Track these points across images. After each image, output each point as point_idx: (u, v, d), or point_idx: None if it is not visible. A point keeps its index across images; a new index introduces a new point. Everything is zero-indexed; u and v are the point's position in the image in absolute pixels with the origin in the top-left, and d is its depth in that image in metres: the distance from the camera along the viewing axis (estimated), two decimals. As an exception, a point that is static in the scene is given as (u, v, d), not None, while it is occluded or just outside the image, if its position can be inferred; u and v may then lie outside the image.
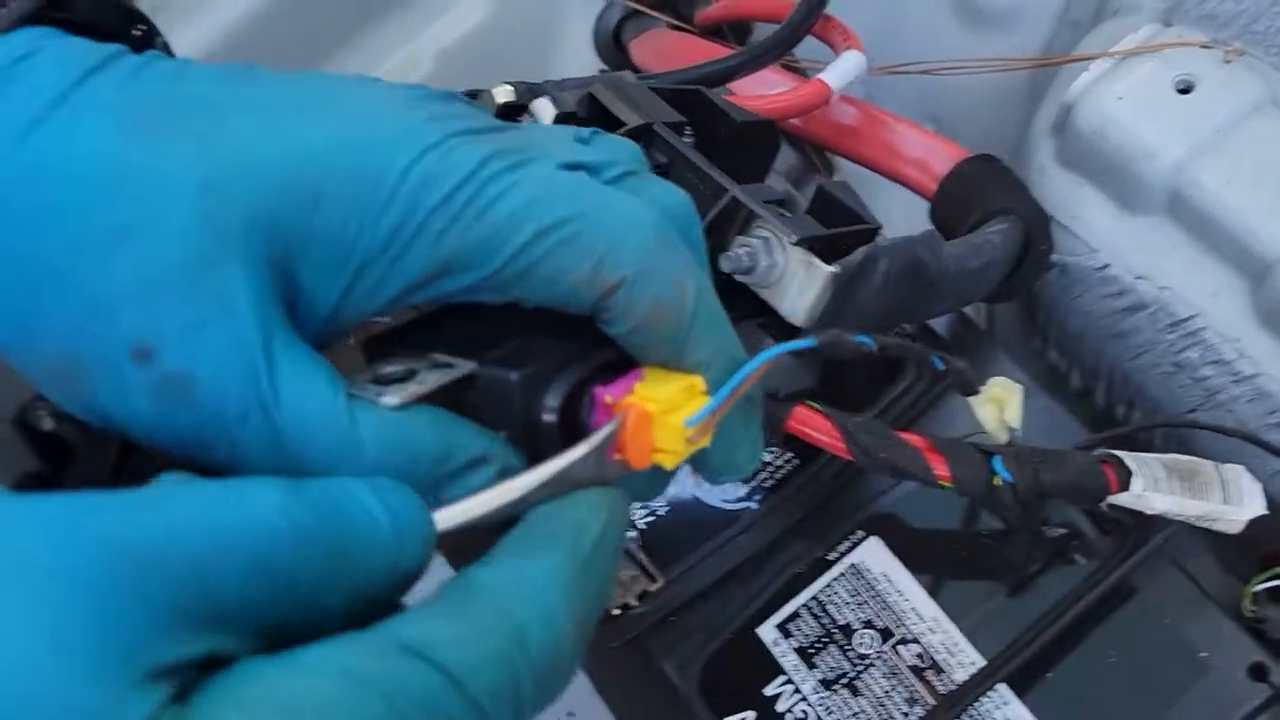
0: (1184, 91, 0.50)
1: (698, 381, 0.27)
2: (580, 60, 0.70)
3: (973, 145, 0.54)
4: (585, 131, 0.29)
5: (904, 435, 0.37)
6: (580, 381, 0.28)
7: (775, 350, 0.29)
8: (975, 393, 0.41)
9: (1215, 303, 0.48)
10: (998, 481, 0.36)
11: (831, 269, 0.39)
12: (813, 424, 0.36)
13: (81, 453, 0.67)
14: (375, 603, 0.21)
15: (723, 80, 0.50)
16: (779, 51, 0.52)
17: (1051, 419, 0.45)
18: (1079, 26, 0.60)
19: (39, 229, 0.24)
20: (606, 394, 0.27)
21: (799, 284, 0.39)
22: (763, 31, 0.68)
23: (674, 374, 0.28)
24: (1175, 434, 0.49)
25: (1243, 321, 0.48)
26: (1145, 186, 0.50)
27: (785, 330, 0.40)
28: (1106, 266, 0.51)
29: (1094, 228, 0.52)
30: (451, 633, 0.21)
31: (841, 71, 0.52)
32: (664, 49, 0.63)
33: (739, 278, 0.40)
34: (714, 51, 0.59)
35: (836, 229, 0.40)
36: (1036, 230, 0.47)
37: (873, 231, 0.41)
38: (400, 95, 0.27)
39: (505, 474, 0.25)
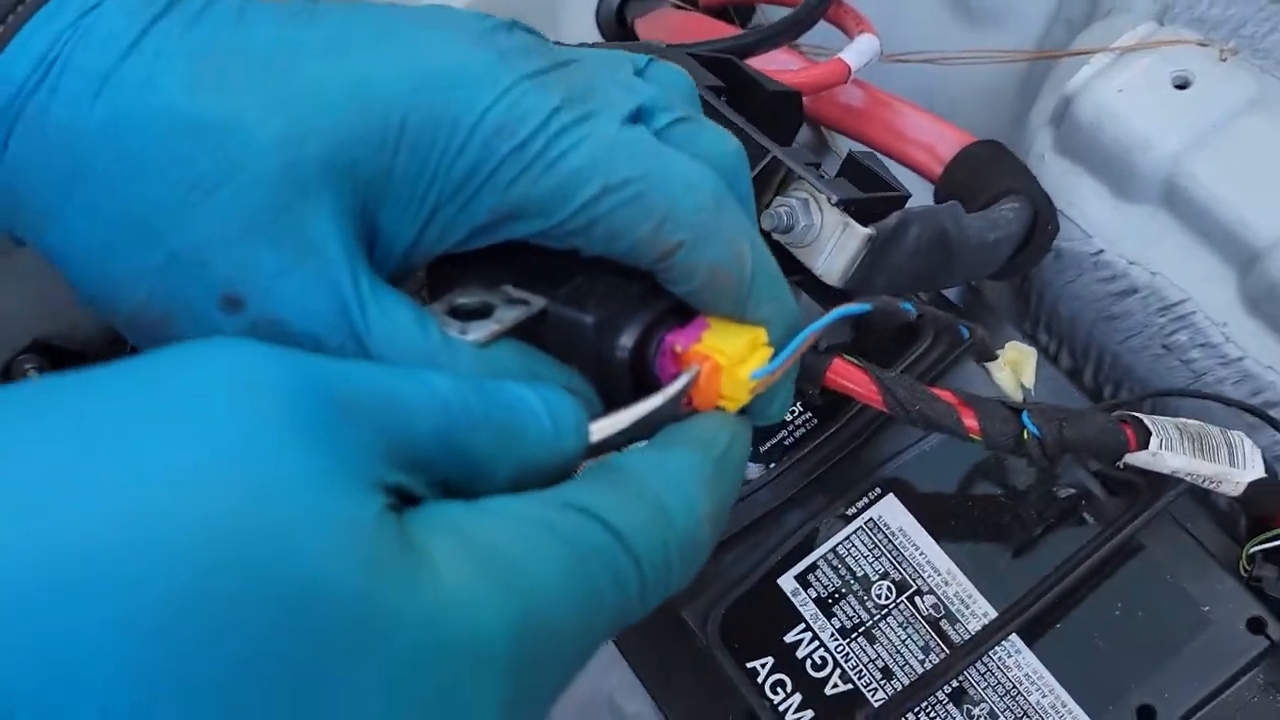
0: (1181, 87, 0.52)
1: (761, 334, 0.29)
2: (582, 39, 0.70)
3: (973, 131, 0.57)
4: (641, 59, 0.30)
5: (934, 390, 0.38)
6: (650, 325, 0.29)
7: (836, 314, 0.31)
8: (994, 358, 0.43)
9: (1205, 288, 0.51)
10: (1025, 435, 0.37)
11: (868, 231, 0.40)
12: (850, 376, 0.38)
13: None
14: (535, 486, 0.22)
15: (746, 53, 0.51)
16: (797, 30, 0.54)
17: (1057, 388, 0.47)
18: (1072, 25, 0.63)
19: (120, 184, 0.24)
20: (676, 342, 0.28)
21: (835, 244, 0.41)
22: (764, 15, 0.69)
23: (737, 325, 0.29)
24: (1164, 408, 0.51)
25: (1230, 307, 0.51)
26: (1141, 176, 0.52)
27: (819, 288, 0.41)
28: (1101, 252, 0.53)
29: (1090, 215, 0.54)
30: (611, 500, 0.22)
31: (859, 52, 0.54)
32: (672, 27, 0.64)
33: (776, 236, 0.42)
34: (722, 30, 0.61)
35: (871, 193, 0.41)
36: (1044, 211, 0.49)
37: (903, 199, 0.42)
38: (470, 29, 0.27)
39: (586, 407, 0.26)
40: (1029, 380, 0.44)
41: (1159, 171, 0.52)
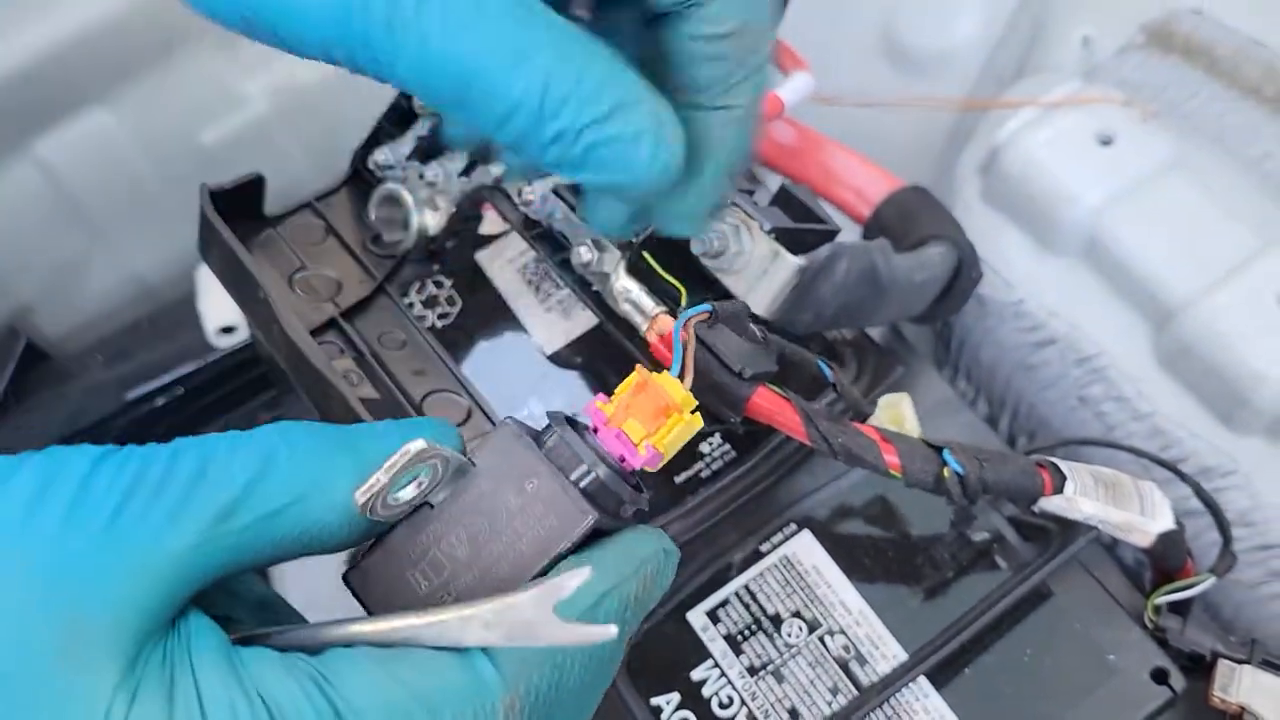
0: (1104, 144, 0.54)
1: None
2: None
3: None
4: None
5: (857, 425, 0.38)
6: None
7: (691, 311, 0.34)
8: (867, 416, 0.42)
9: (1121, 343, 0.52)
10: (946, 474, 0.37)
11: (799, 261, 0.40)
12: (775, 405, 0.37)
13: None
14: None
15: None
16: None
17: (974, 434, 0.47)
18: (1001, 79, 0.64)
19: None
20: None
21: (764, 272, 0.40)
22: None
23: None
24: (1077, 458, 0.52)
25: (1144, 363, 0.51)
26: (1063, 229, 0.53)
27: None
28: (1022, 301, 0.54)
29: (1013, 264, 0.55)
30: None
31: (793, 89, 0.54)
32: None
33: (705, 261, 0.41)
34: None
35: (802, 224, 0.41)
36: (968, 258, 0.50)
37: (833, 232, 0.42)
38: None
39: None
40: (913, 427, 0.44)
41: (1081, 225, 0.53)
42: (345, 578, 0.27)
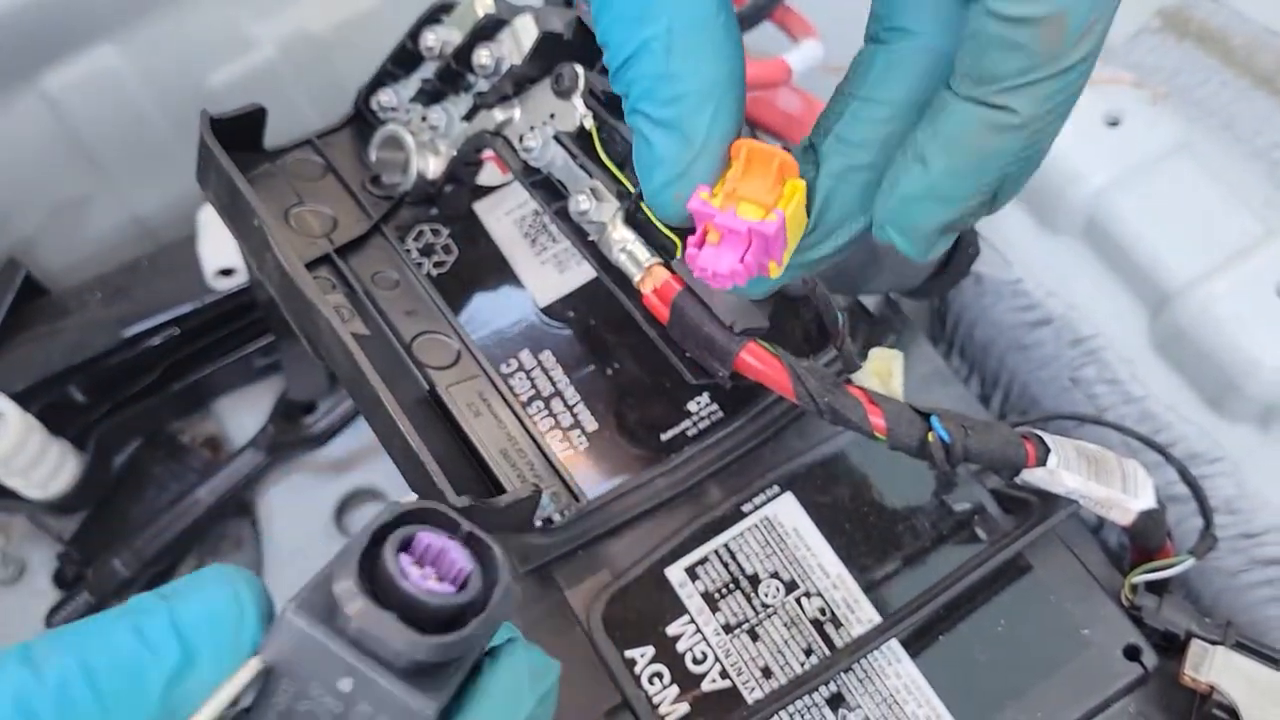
0: (1112, 125, 0.53)
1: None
2: None
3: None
4: None
5: (847, 387, 0.38)
6: None
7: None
8: (857, 368, 0.42)
9: (1116, 326, 0.52)
10: (931, 439, 0.37)
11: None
12: (763, 360, 0.37)
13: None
14: None
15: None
16: (742, 27, 0.54)
17: (967, 408, 0.47)
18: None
19: None
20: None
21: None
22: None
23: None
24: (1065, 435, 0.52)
25: (1138, 346, 0.51)
26: (1065, 207, 0.53)
27: None
28: (1020, 281, 0.54)
29: (1013, 243, 0.54)
30: None
31: (802, 56, 0.53)
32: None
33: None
34: None
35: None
36: (966, 235, 0.49)
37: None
38: None
39: None
40: (898, 387, 0.44)
41: (1083, 204, 0.52)
42: None
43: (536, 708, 0.24)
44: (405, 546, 0.22)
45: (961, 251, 0.50)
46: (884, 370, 0.44)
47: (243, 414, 0.67)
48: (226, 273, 0.62)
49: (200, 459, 0.66)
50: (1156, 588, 0.42)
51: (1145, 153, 0.52)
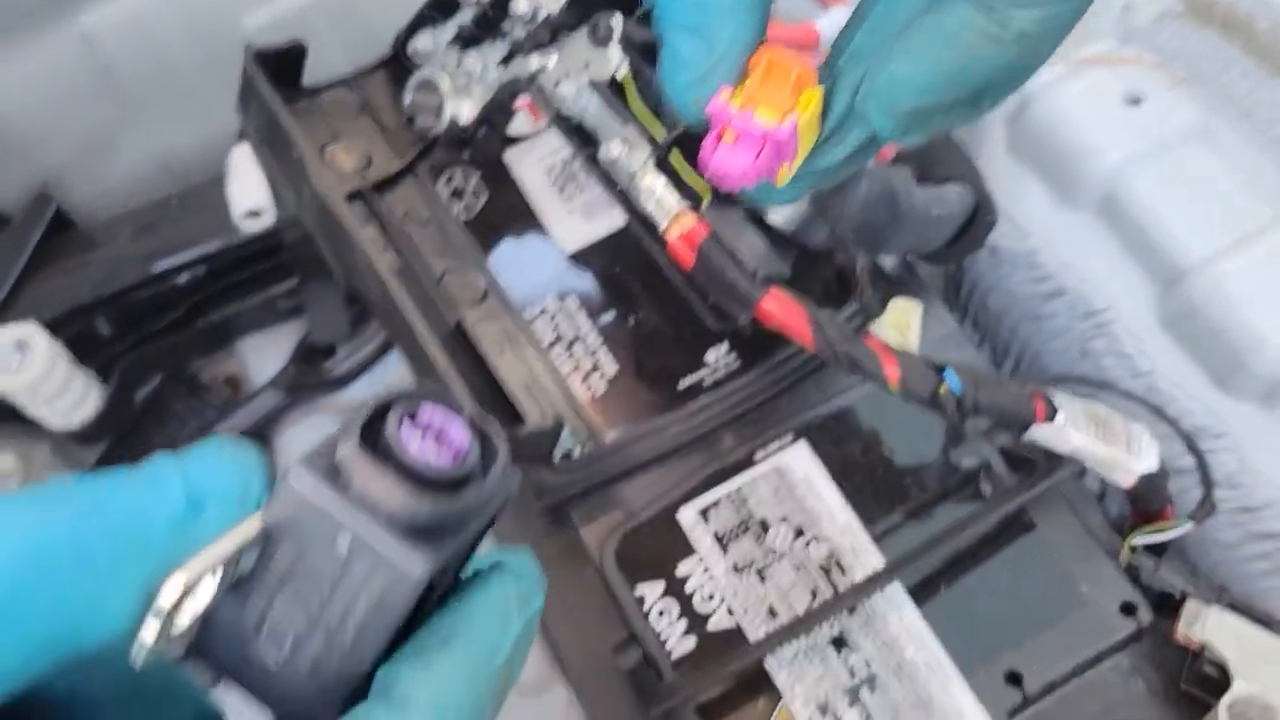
0: (1133, 104, 0.54)
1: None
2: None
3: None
4: None
5: (864, 338, 0.39)
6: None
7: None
8: (878, 315, 0.43)
9: (1128, 300, 0.53)
10: (943, 390, 0.38)
11: (820, 173, 0.41)
12: (785, 307, 0.38)
13: None
14: None
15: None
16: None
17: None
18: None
19: None
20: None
21: (785, 184, 0.41)
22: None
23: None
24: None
25: (1148, 321, 0.52)
26: (1083, 183, 0.54)
27: (764, 228, 0.42)
28: (1035, 252, 0.55)
29: (1030, 215, 0.55)
30: None
31: (832, 23, 0.54)
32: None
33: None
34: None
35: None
36: (985, 202, 0.50)
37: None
38: None
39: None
40: (914, 338, 0.45)
41: (1101, 180, 0.53)
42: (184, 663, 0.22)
43: (524, 630, 0.24)
44: (411, 419, 0.22)
45: (979, 220, 0.51)
46: (902, 321, 0.45)
47: (264, 355, 0.68)
48: (254, 214, 0.63)
49: (220, 396, 0.67)
50: (1155, 551, 0.43)
51: (1163, 133, 0.53)
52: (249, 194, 0.63)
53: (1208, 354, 0.51)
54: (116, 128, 0.66)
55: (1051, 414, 0.40)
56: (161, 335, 0.65)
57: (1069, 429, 0.40)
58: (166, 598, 0.20)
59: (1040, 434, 0.40)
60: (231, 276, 0.65)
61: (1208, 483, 0.43)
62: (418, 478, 0.21)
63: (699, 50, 0.29)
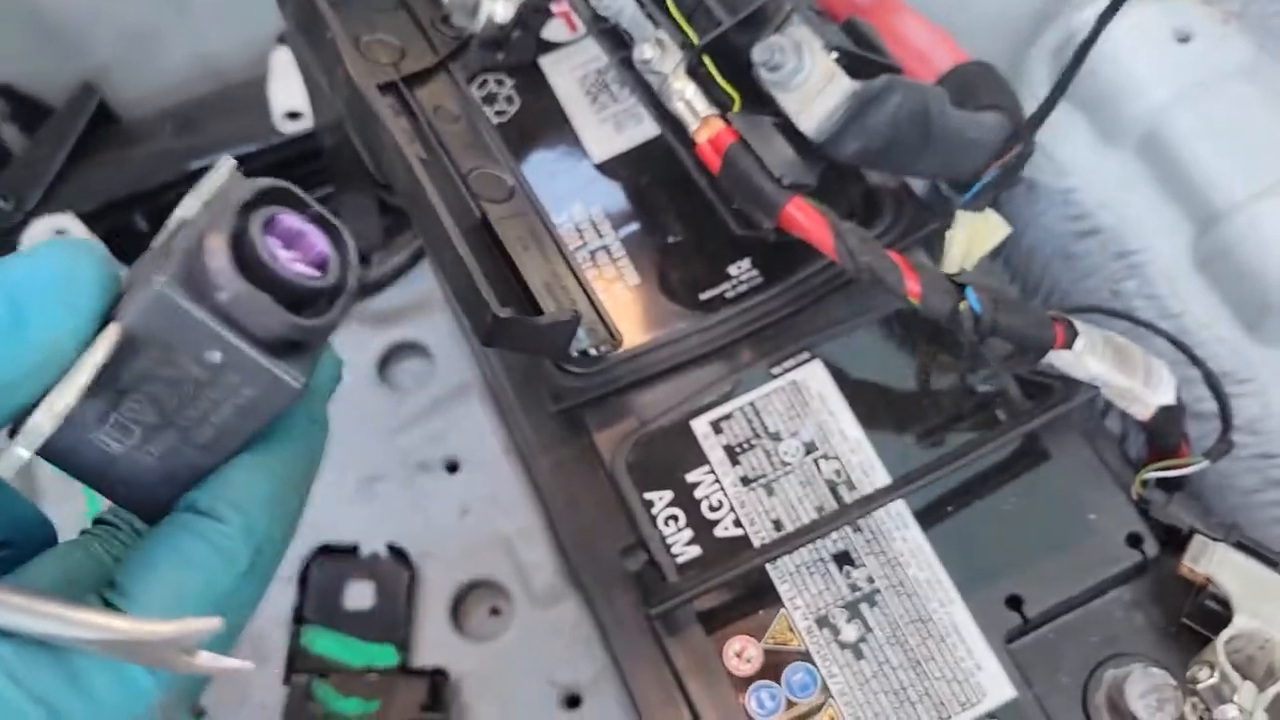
0: (1181, 41, 0.53)
1: None
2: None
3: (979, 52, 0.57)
4: None
5: (886, 251, 0.39)
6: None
7: None
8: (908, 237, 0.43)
9: (1162, 241, 0.52)
10: (963, 307, 0.38)
11: (854, 85, 0.40)
12: (808, 214, 0.38)
13: (21, 154, 0.64)
14: None
15: None
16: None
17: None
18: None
19: None
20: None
21: (819, 92, 0.41)
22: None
23: None
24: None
25: (1181, 263, 0.51)
26: (1125, 121, 0.53)
27: (793, 135, 0.41)
28: (1073, 190, 0.54)
29: (1069, 152, 0.55)
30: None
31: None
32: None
33: (763, 74, 0.41)
34: None
35: (864, 52, 0.41)
36: (1022, 132, 0.50)
37: (894, 69, 0.43)
38: None
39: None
40: (973, 260, 0.44)
41: (1143, 118, 0.52)
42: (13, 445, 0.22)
43: (321, 438, 0.26)
44: (269, 227, 0.23)
45: (1015, 148, 0.50)
46: (979, 234, 0.43)
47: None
48: (294, 116, 0.64)
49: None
50: (1167, 484, 0.43)
51: (1210, 72, 0.52)
52: (289, 95, 0.64)
53: (1239, 297, 0.50)
54: (161, 25, 0.66)
55: (1071, 339, 0.40)
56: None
57: (1087, 355, 0.40)
58: (45, 422, 0.21)
59: (1058, 360, 0.40)
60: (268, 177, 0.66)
61: (1226, 421, 0.43)
62: (287, 293, 0.22)
63: None
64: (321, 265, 0.23)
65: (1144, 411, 0.41)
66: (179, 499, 0.24)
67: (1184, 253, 0.52)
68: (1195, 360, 0.44)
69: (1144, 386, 0.41)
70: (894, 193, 0.47)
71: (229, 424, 0.23)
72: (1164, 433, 0.42)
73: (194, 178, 0.65)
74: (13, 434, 0.21)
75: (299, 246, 0.23)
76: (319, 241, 0.23)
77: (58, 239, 0.22)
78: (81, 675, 0.21)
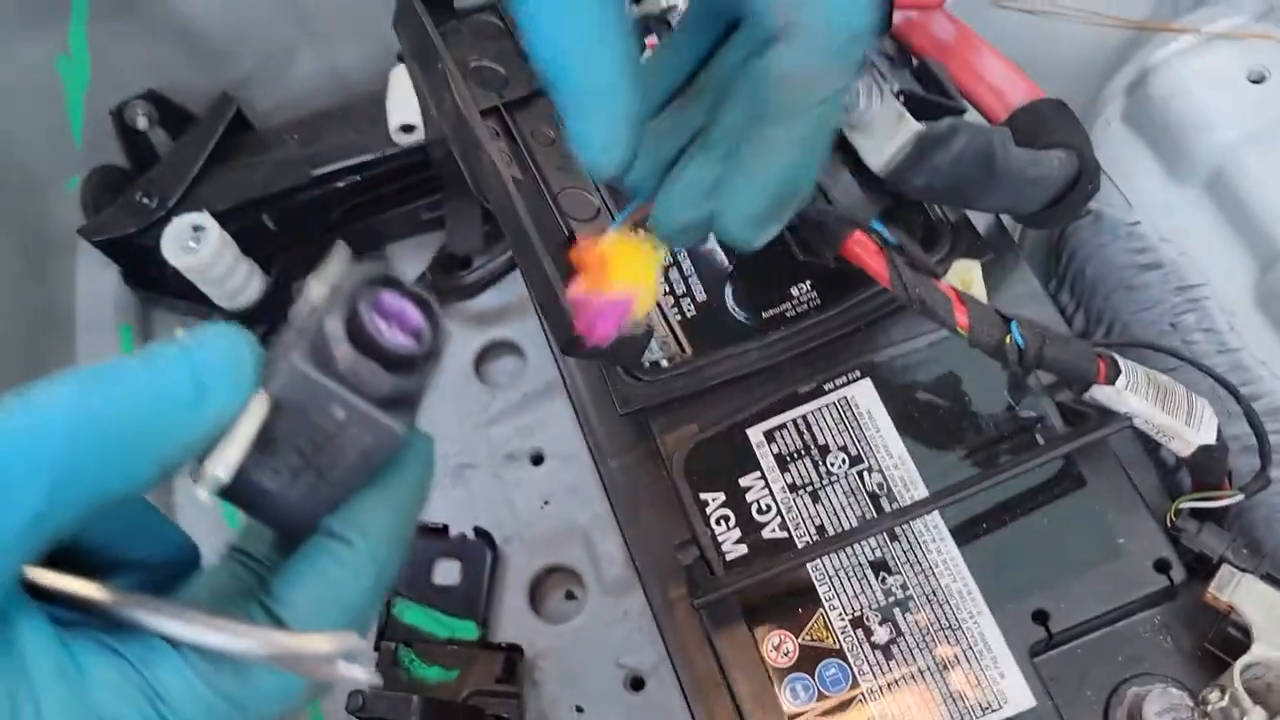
0: (1256, 82, 0.54)
1: None
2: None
3: (1050, 91, 0.59)
4: None
5: (937, 283, 0.42)
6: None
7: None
8: (939, 276, 0.45)
9: (1224, 277, 0.53)
10: (1008, 342, 0.41)
11: (920, 126, 0.43)
12: (866, 248, 0.41)
13: (167, 155, 0.71)
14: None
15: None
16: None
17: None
18: (1178, 7, 0.64)
19: None
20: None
21: (886, 132, 0.44)
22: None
23: None
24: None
25: (1243, 300, 0.53)
26: (1194, 158, 0.54)
27: (861, 171, 0.45)
28: (1138, 223, 0.55)
29: (1137, 186, 0.56)
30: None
31: (957, -19, 0.56)
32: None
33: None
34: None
35: (932, 95, 0.44)
36: (1088, 169, 0.51)
37: (960, 111, 0.45)
38: None
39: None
40: (978, 292, 0.46)
41: (1212, 156, 0.54)
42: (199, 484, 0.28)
43: (428, 476, 0.31)
44: (376, 307, 0.28)
45: (1080, 186, 0.52)
46: (965, 281, 0.47)
47: (409, 259, 0.75)
48: (408, 129, 0.69)
49: (365, 294, 0.74)
50: (1202, 515, 0.44)
51: (1282, 113, 0.53)
52: (405, 110, 0.69)
53: (1298, 337, 0.51)
54: (294, 43, 0.73)
55: (1113, 376, 0.42)
56: (318, 234, 0.72)
57: (1127, 393, 0.42)
58: (223, 470, 0.27)
59: (1101, 394, 0.42)
60: (383, 186, 0.72)
61: (1265, 457, 0.44)
62: (393, 361, 0.28)
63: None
64: (417, 335, 0.28)
65: (1185, 449, 0.43)
66: (318, 525, 0.29)
67: (1245, 290, 0.53)
68: (1238, 397, 0.45)
69: (1185, 425, 0.42)
70: (954, 224, 0.50)
71: (354, 465, 0.29)
72: (1205, 469, 0.44)
73: (315, 184, 0.70)
74: (195, 478, 0.27)
75: (399, 321, 0.28)
76: (415, 316, 0.28)
77: (224, 325, 0.28)
78: (251, 674, 0.27)
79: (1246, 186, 0.53)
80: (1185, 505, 0.44)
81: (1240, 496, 0.44)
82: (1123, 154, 0.57)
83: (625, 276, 0.38)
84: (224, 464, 0.27)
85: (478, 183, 0.45)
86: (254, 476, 0.28)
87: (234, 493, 0.28)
